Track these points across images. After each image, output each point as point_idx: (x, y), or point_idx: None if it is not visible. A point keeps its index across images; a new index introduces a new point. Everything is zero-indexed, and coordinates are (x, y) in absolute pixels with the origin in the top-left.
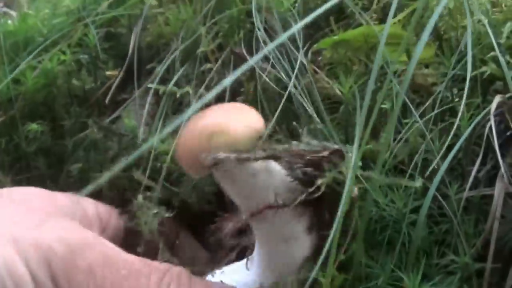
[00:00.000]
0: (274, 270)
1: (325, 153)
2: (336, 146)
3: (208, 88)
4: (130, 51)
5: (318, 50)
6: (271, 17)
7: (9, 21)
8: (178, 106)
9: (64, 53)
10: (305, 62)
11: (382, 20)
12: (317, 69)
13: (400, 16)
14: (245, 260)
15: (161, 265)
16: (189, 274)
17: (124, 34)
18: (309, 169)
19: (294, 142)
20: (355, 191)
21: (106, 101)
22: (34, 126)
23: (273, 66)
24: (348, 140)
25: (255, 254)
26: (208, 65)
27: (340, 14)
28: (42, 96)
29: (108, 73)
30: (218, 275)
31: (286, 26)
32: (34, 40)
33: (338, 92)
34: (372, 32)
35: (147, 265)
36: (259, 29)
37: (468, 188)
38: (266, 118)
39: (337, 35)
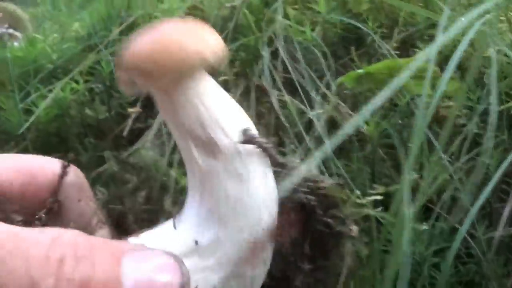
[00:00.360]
0: (219, 219)
1: (323, 185)
2: (332, 181)
3: None
4: None
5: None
6: (288, 45)
7: (16, 43)
8: None
9: (76, 81)
10: (328, 94)
11: (402, 49)
12: (340, 102)
13: (424, 50)
14: (169, 221)
15: (46, 233)
16: (88, 239)
17: None
18: (312, 197)
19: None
20: (355, 230)
21: (125, 133)
22: None
23: (293, 97)
24: (374, 178)
25: (187, 205)
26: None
27: (360, 43)
28: (54, 127)
29: (130, 110)
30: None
31: (306, 56)
32: (43, 66)
33: (364, 130)
34: (397, 66)
35: (21, 239)
36: (273, 60)
37: (499, 228)
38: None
39: (359, 67)
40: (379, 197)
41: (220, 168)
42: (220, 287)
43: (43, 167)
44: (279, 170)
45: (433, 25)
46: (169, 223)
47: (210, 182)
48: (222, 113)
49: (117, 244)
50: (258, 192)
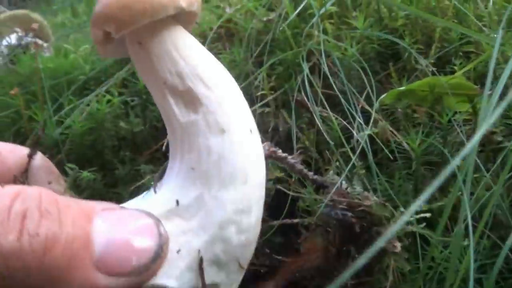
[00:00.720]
0: (201, 177)
1: (367, 203)
2: (375, 199)
3: (265, 133)
4: None
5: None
6: (326, 60)
7: (46, 53)
8: None
9: (109, 93)
10: (370, 110)
11: (438, 65)
12: (381, 118)
13: (466, 68)
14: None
15: (7, 189)
16: (53, 194)
17: None
18: (349, 213)
19: (344, 184)
20: (398, 246)
21: (164, 148)
22: (86, 174)
23: (333, 112)
24: (417, 194)
25: (168, 168)
26: (267, 109)
27: (396, 58)
28: (89, 140)
29: None
30: None
31: (344, 70)
32: (76, 78)
33: (406, 146)
34: (438, 83)
35: None
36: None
37: None
38: (325, 165)
39: (397, 82)
40: (426, 215)
41: (201, 121)
42: (205, 252)
43: (13, 151)
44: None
45: (468, 41)
46: (150, 191)
47: (191, 138)
48: (200, 64)
49: (89, 203)
50: (242, 147)
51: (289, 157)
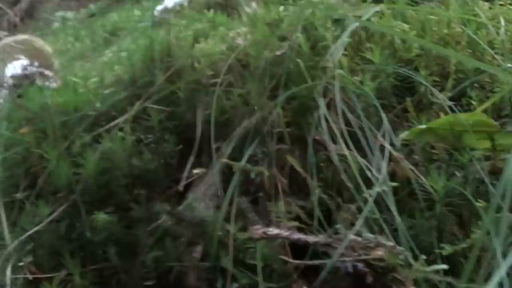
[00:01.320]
0: None
1: (380, 251)
2: (391, 244)
3: (281, 169)
4: (198, 133)
5: (396, 134)
6: (342, 95)
7: (49, 84)
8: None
9: (122, 130)
10: (388, 147)
11: (454, 97)
12: (401, 157)
13: (484, 106)
14: None
15: None
16: None
17: (183, 108)
18: (360, 264)
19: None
20: None
21: (180, 187)
22: (102, 216)
23: (350, 148)
24: (440, 236)
25: None
26: (283, 146)
27: (412, 92)
28: (104, 180)
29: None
30: None
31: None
32: (86, 114)
33: (430, 189)
34: (458, 121)
35: None
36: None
37: None
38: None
39: (414, 118)
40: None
41: None
42: None
43: None
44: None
45: (483, 71)
46: None
47: None
48: None
49: None
50: None
51: (282, 231)
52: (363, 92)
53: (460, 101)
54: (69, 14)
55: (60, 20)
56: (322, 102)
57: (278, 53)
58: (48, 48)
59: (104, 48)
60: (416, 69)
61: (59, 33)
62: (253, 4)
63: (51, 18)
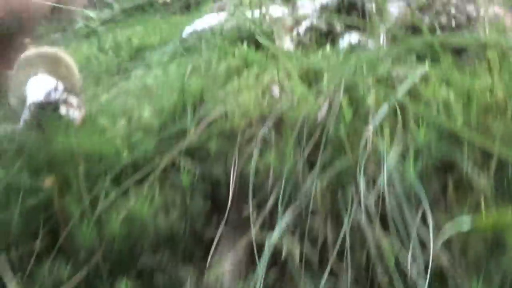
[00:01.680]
0: None
1: None
2: None
3: (314, 242)
4: (230, 197)
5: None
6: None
7: (75, 112)
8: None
9: (151, 187)
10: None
11: (495, 179)
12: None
13: None
14: None
15: None
16: None
17: (213, 164)
18: None
19: None
20: None
21: (209, 260)
22: (125, 285)
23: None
24: None
25: None
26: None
27: (453, 171)
28: (128, 243)
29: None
30: None
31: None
32: (113, 164)
33: None
34: (503, 221)
35: None
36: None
37: None
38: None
39: (455, 206)
40: None
41: None
42: None
43: None
44: None
45: None
46: None
47: None
48: None
49: None
50: None
51: None
52: (407, 176)
53: (502, 183)
54: (92, 14)
55: (84, 18)
56: (362, 183)
57: (318, 118)
58: (74, 67)
59: (129, 65)
60: (459, 142)
61: (83, 41)
62: (287, 41)
63: (74, 18)
